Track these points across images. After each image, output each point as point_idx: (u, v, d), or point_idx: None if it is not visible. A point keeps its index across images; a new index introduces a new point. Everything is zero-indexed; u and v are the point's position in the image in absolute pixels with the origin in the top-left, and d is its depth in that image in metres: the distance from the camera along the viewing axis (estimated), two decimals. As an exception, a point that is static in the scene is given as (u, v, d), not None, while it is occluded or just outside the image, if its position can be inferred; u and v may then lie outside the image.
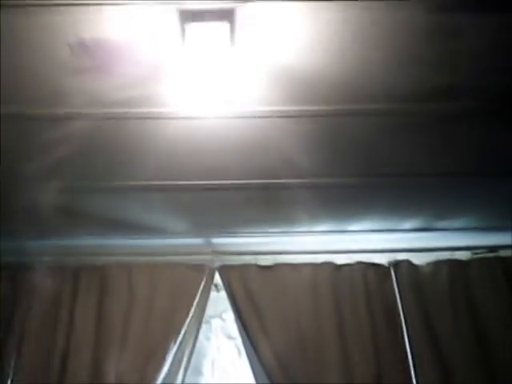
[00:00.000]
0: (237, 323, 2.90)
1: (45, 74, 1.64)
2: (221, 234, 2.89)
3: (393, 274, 2.97)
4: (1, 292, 2.83)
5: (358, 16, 1.47)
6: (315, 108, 1.85)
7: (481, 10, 1.45)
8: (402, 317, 2.85)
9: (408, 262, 2.98)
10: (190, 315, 2.83)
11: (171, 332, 2.77)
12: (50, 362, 2.67)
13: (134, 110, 1.82)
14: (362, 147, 2.11)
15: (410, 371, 2.72)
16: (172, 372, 2.72)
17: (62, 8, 1.41)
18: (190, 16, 1.44)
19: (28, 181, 2.22)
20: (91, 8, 1.42)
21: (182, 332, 2.78)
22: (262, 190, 2.39)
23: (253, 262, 2.98)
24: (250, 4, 1.42)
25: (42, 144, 1.96)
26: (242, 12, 1.44)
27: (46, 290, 2.84)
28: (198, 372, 2.98)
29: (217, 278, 2.98)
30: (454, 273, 2.93)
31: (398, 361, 2.74)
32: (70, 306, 2.81)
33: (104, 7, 1.42)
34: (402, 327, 2.82)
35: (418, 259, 2.99)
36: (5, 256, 2.86)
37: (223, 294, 2.96)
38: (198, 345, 2.86)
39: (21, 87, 1.70)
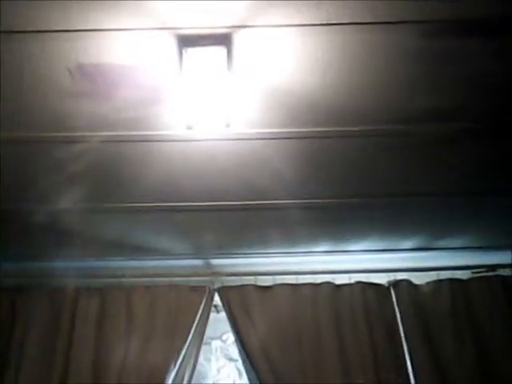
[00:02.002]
0: (237, 344, 2.88)
1: (45, 98, 1.66)
2: (220, 254, 2.90)
3: (393, 293, 2.96)
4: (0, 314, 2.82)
5: (354, 40, 1.50)
6: (312, 130, 1.86)
7: (473, 35, 1.48)
8: (403, 336, 2.83)
9: (408, 281, 2.97)
10: (190, 336, 2.81)
11: (171, 353, 2.75)
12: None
13: (133, 133, 1.84)
14: (359, 168, 2.12)
15: (411, 390, 2.70)
16: (172, 394, 2.70)
17: (61, 34, 1.44)
18: (187, 41, 1.47)
19: (27, 203, 2.24)
20: (91, 34, 1.44)
21: (182, 353, 2.76)
22: (261, 211, 2.39)
23: (252, 282, 2.98)
24: (246, 29, 1.45)
25: (42, 168, 1.98)
26: (239, 37, 1.47)
27: (45, 313, 2.83)
28: (199, 393, 2.96)
29: (216, 298, 2.96)
30: (454, 292, 2.91)
31: (400, 381, 2.71)
32: (68, 328, 2.80)
33: (103, 33, 1.45)
34: (402, 347, 2.81)
35: (417, 279, 2.98)
36: (4, 278, 2.86)
37: (223, 315, 2.94)
38: (198, 366, 2.84)
39: (21, 112, 1.72)
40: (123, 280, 2.95)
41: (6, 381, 2.66)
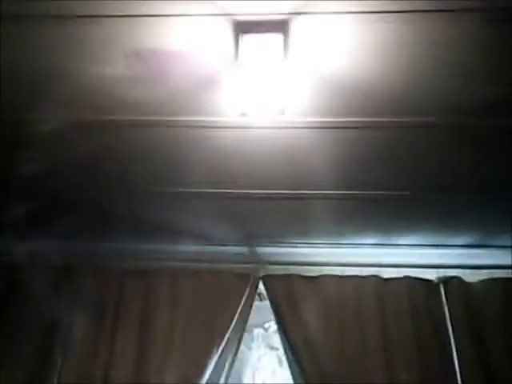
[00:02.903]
0: (279, 333, 2.88)
1: (101, 82, 1.69)
2: (267, 243, 2.90)
3: (442, 290, 2.87)
4: (48, 293, 2.90)
5: (411, 28, 1.45)
6: (367, 120, 1.83)
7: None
8: (451, 335, 2.75)
9: (459, 278, 2.87)
10: (233, 323, 2.83)
11: (214, 338, 2.78)
12: (93, 371, 2.70)
13: (187, 119, 1.85)
14: (412, 160, 2.07)
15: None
16: (213, 379, 2.73)
17: (119, 19, 1.46)
18: (244, 27, 1.46)
19: (81, 186, 2.30)
20: (148, 19, 1.45)
21: (225, 339, 2.79)
22: (310, 200, 2.37)
23: (298, 272, 2.96)
24: (303, 16, 1.42)
25: (96, 152, 2.02)
26: (296, 24, 1.45)
27: (91, 294, 2.90)
28: (239, 380, 2.98)
29: (261, 287, 2.97)
30: (508, 292, 2.80)
31: (446, 380, 2.65)
32: (114, 310, 2.86)
33: (160, 18, 1.45)
34: (450, 346, 2.73)
35: (469, 277, 2.89)
36: (54, 257, 2.95)
37: (266, 303, 2.95)
38: (239, 353, 2.86)
39: (77, 95, 1.75)
40: (170, 264, 3.00)
41: (53, 362, 2.75)
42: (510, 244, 2.72)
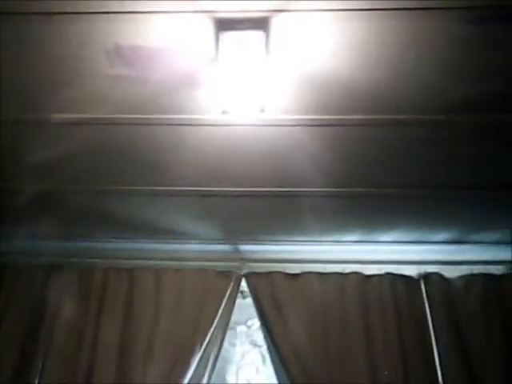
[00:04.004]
0: (262, 330, 2.89)
1: (82, 80, 1.67)
2: (249, 240, 2.90)
3: (423, 286, 2.91)
4: (32, 291, 2.88)
5: (392, 26, 1.46)
6: (347, 117, 1.84)
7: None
8: (432, 330, 2.79)
9: (439, 274, 2.91)
10: (216, 321, 2.83)
11: (197, 337, 2.77)
12: (76, 370, 2.69)
13: (168, 117, 1.84)
14: (393, 157, 2.08)
15: (439, 386, 2.66)
16: (196, 377, 2.72)
17: (99, 16, 1.44)
18: (224, 25, 1.45)
19: (63, 185, 2.27)
20: (128, 16, 1.44)
21: (208, 337, 2.78)
22: (292, 198, 2.38)
23: (280, 269, 2.97)
24: (284, 13, 1.42)
25: (77, 149, 2.00)
26: (277, 21, 1.44)
27: (75, 292, 2.89)
28: (222, 378, 2.98)
29: (243, 284, 2.97)
30: (487, 287, 2.85)
31: (427, 374, 2.68)
32: (97, 308, 2.85)
33: (140, 15, 1.44)
34: (431, 341, 2.76)
35: (449, 272, 2.92)
36: (37, 256, 2.93)
37: (249, 300, 2.95)
38: (222, 351, 2.86)
39: (58, 93, 1.73)
40: (152, 262, 2.99)
41: (36, 356, 2.73)
42: (488, 240, 2.76)
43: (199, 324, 2.81)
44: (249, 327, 3.16)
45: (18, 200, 2.29)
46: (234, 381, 3.00)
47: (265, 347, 2.89)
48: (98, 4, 1.41)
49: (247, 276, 2.97)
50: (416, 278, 2.94)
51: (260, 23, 1.45)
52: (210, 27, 1.46)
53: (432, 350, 2.74)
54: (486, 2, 1.38)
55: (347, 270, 2.94)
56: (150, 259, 3.00)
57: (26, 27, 1.48)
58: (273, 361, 2.80)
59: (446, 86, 1.67)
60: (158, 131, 1.93)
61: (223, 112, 1.70)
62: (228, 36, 1.47)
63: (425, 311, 2.84)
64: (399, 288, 2.89)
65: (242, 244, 2.94)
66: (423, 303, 2.86)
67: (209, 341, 2.79)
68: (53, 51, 1.56)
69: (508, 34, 1.47)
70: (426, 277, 2.92)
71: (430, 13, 1.42)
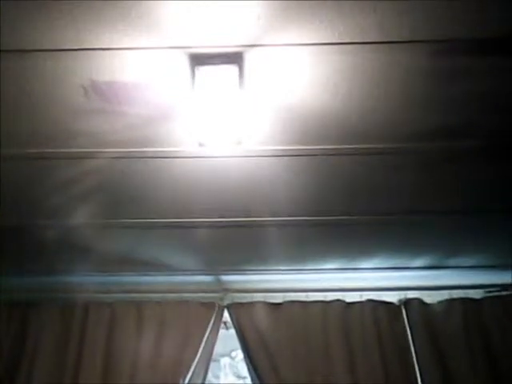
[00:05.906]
0: (246, 362, 2.86)
1: (57, 115, 1.68)
2: (230, 271, 2.89)
3: (404, 312, 2.92)
4: (10, 329, 2.83)
5: (365, 59, 1.50)
6: (323, 147, 1.87)
7: (484, 53, 1.48)
8: (414, 355, 2.80)
9: (419, 300, 2.94)
10: (199, 353, 2.80)
11: (180, 369, 2.74)
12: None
13: (145, 150, 1.85)
14: (370, 186, 2.11)
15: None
16: (180, 411, 2.68)
17: (74, 53, 1.46)
18: (199, 59, 1.48)
19: (39, 219, 2.25)
20: (103, 52, 1.46)
21: (191, 369, 2.75)
22: (272, 227, 2.39)
23: (262, 299, 2.96)
24: (257, 48, 1.46)
25: (54, 184, 2.00)
26: (250, 55, 1.48)
27: (55, 327, 2.84)
28: (207, 411, 2.93)
29: (226, 315, 2.95)
30: (466, 311, 2.88)
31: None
32: (78, 343, 2.80)
33: (116, 51, 1.46)
34: (414, 366, 2.77)
35: (429, 298, 2.95)
36: (15, 293, 2.87)
37: (232, 331, 2.93)
38: (206, 383, 2.82)
39: (34, 129, 1.74)
40: (133, 295, 2.96)
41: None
42: (466, 264, 2.79)
43: (182, 356, 2.78)
44: (233, 358, 3.13)
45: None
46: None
47: (249, 379, 2.86)
48: (72, 41, 1.42)
49: (229, 307, 2.96)
50: (397, 304, 2.96)
51: (234, 58, 1.48)
52: (185, 62, 1.49)
53: (415, 375, 2.75)
54: (451, 35, 1.44)
55: (329, 298, 2.95)
56: (130, 292, 2.97)
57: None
58: (257, 392, 2.77)
59: (414, 116, 1.72)
60: (135, 164, 1.93)
61: (200, 144, 1.72)
62: (203, 70, 1.50)
63: (406, 337, 2.85)
64: (381, 314, 2.90)
65: (223, 274, 2.93)
66: (405, 329, 2.88)
67: (192, 373, 2.76)
68: (27, 86, 1.57)
69: (471, 67, 1.52)
70: (407, 303, 2.94)
71: (398, 46, 1.47)
